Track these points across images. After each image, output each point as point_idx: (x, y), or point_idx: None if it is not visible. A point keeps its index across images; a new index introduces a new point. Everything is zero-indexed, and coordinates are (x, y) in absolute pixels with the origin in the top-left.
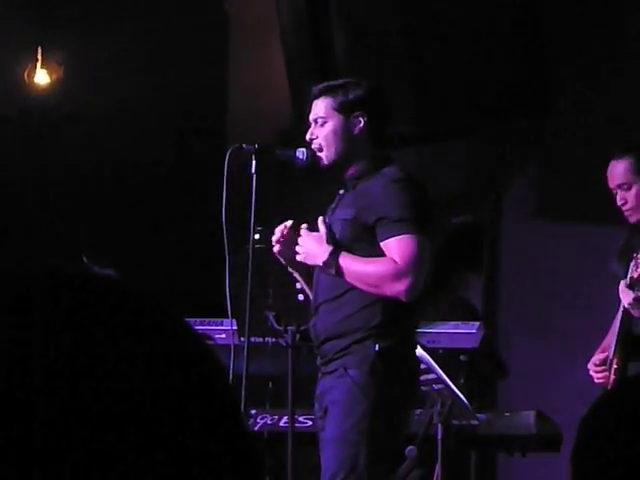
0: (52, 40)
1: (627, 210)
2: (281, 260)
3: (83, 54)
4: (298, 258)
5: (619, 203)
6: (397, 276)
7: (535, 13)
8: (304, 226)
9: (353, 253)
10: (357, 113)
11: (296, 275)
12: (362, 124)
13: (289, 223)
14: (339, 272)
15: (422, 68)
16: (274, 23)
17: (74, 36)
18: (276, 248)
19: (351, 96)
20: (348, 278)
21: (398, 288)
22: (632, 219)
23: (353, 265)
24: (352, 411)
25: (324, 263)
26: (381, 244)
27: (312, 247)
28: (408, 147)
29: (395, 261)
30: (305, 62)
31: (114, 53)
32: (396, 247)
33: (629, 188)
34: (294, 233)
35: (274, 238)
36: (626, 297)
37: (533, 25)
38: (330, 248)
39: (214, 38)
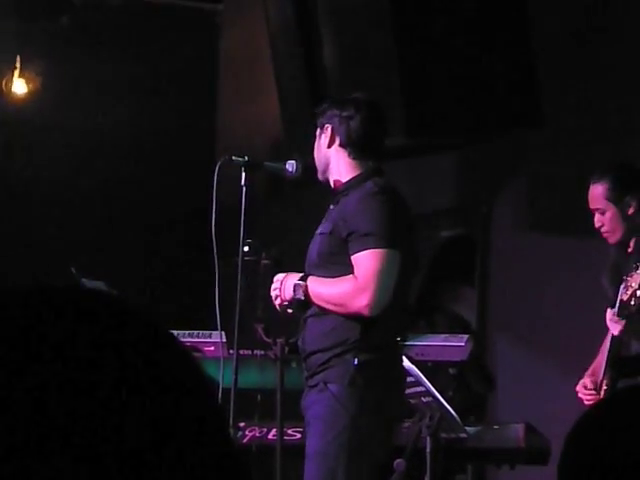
0: (33, 50)
1: (604, 233)
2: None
3: (67, 65)
4: (277, 302)
5: (596, 225)
6: (356, 292)
7: (527, 27)
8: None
9: (331, 266)
10: (326, 125)
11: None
12: (328, 135)
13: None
14: (307, 295)
15: (412, 82)
16: (265, 36)
17: (56, 47)
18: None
19: (326, 111)
20: (315, 300)
21: (359, 304)
22: (610, 240)
23: (318, 287)
24: (332, 425)
25: (294, 286)
26: (351, 258)
27: (288, 281)
28: (398, 160)
29: (355, 278)
30: (295, 75)
31: (97, 65)
32: (360, 262)
33: (603, 213)
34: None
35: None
36: (615, 328)
37: (524, 38)
38: (300, 274)
39: (204, 52)
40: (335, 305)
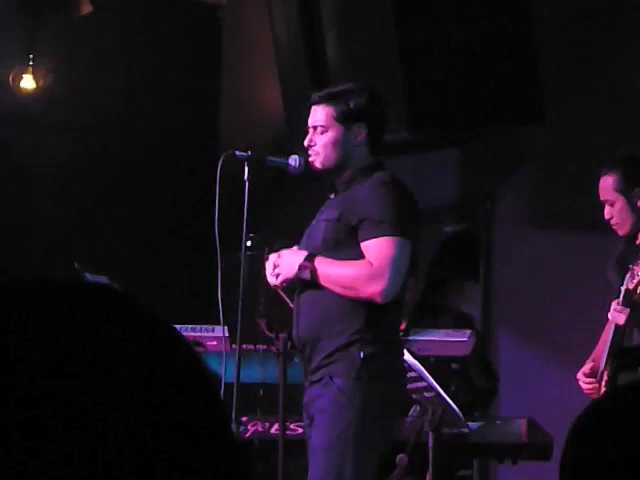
0: (42, 46)
1: (613, 225)
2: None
3: (73, 60)
4: (279, 280)
5: (606, 217)
6: (371, 278)
7: (530, 22)
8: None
9: (335, 253)
10: (358, 124)
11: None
12: (362, 135)
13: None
14: (314, 275)
15: (415, 77)
16: (267, 30)
17: (64, 42)
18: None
19: (352, 106)
20: (323, 281)
21: (373, 290)
22: (620, 232)
23: (328, 268)
24: (338, 419)
25: (299, 266)
26: (361, 244)
27: (288, 259)
28: (401, 155)
29: (370, 263)
30: (298, 69)
31: (104, 60)
32: (374, 248)
33: (613, 204)
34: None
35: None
36: (619, 317)
37: (527, 34)
38: (305, 253)
39: (207, 46)
40: (345, 288)
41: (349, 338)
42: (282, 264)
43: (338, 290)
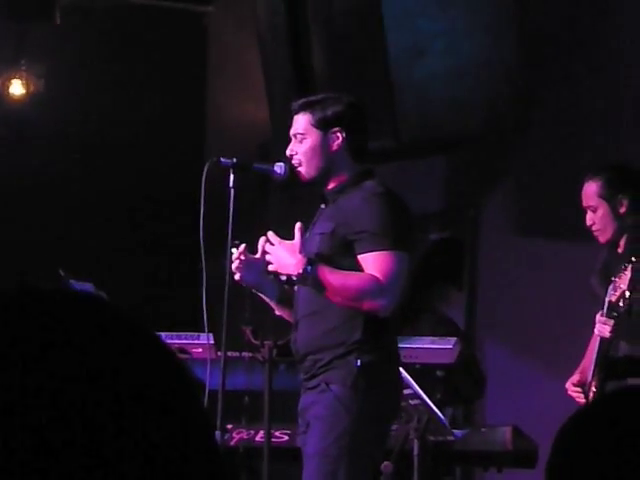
0: (28, 52)
1: (595, 231)
2: (244, 285)
3: (62, 67)
4: (270, 268)
5: (588, 223)
6: (379, 292)
7: (518, 30)
8: (271, 234)
9: (331, 265)
10: (335, 129)
11: (263, 297)
12: (340, 140)
13: (242, 247)
14: (317, 284)
15: (400, 83)
16: (253, 37)
17: (54, 49)
18: (237, 276)
19: (329, 112)
20: (326, 291)
21: (378, 303)
22: (601, 239)
23: (333, 278)
24: (334, 426)
25: (299, 275)
26: (359, 257)
27: (285, 257)
28: (386, 162)
29: (377, 277)
30: (284, 77)
31: (88, 68)
32: (375, 262)
33: (595, 210)
34: (253, 254)
35: (233, 266)
36: (604, 329)
37: (515, 42)
38: (305, 259)
39: (193, 53)
40: (348, 298)
41: (347, 348)
42: (277, 258)
43: (339, 300)
